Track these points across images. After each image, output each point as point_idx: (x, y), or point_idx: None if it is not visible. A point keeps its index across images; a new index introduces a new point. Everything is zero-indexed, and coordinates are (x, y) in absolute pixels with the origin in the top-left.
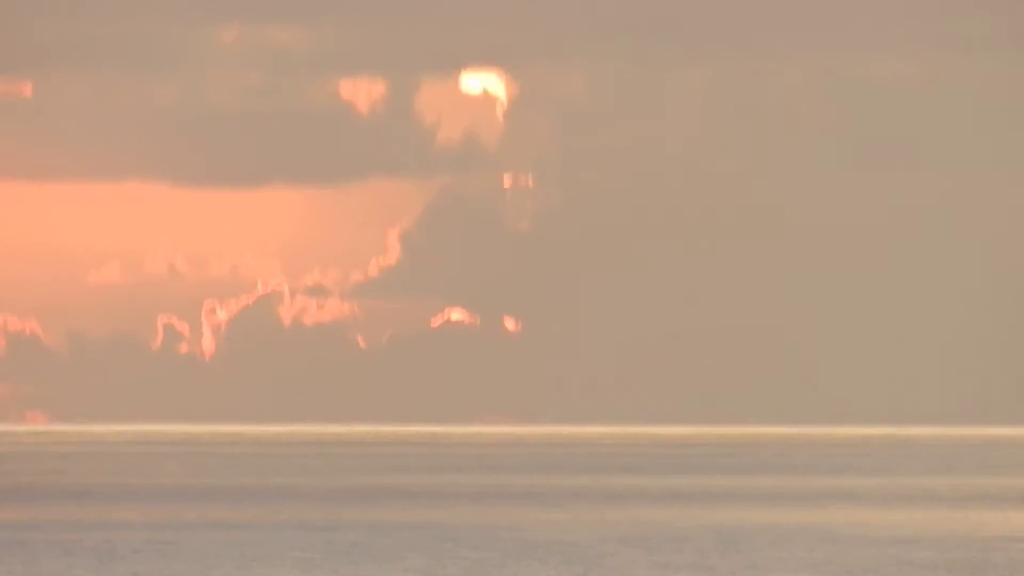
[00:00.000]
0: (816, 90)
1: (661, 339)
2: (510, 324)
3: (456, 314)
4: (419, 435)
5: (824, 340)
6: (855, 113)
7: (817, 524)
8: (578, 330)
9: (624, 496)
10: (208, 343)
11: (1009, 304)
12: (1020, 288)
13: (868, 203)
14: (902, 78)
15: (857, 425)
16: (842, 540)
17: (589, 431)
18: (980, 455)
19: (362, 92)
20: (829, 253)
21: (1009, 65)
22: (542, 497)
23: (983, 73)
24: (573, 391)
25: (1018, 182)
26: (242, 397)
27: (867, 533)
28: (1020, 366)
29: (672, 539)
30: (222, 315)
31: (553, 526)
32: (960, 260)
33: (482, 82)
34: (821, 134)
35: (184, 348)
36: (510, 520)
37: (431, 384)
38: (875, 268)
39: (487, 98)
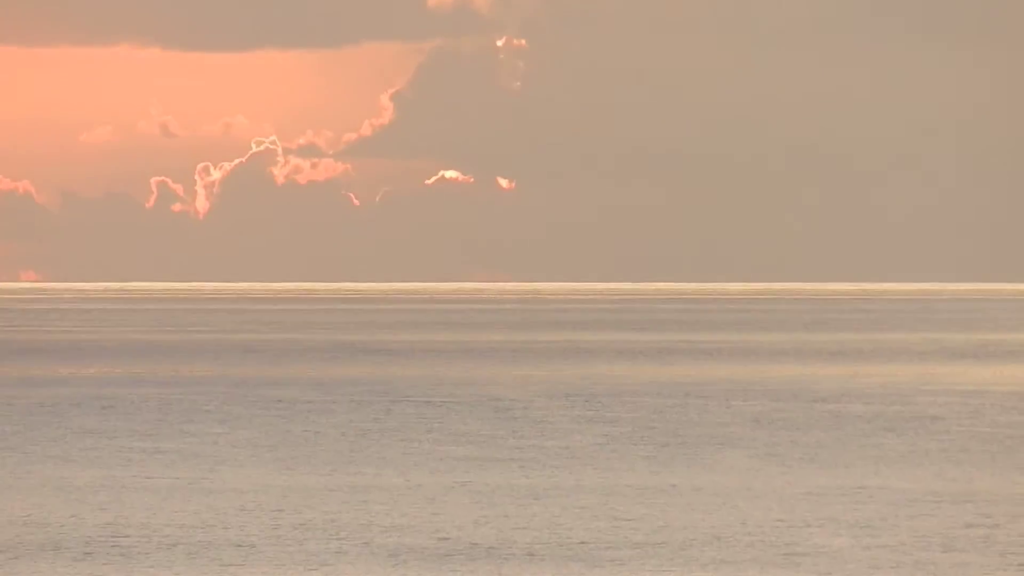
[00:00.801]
0: None
1: (650, 199)
2: (503, 183)
3: (450, 173)
4: (410, 292)
5: (811, 202)
6: None
7: (764, 379)
8: (570, 189)
9: (587, 352)
10: (202, 202)
11: (989, 170)
12: (995, 158)
13: (865, 70)
14: None
15: (838, 282)
16: (782, 396)
17: (582, 287)
18: (954, 311)
19: None
20: (821, 121)
21: None
22: (502, 354)
23: None
24: (565, 249)
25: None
26: (236, 255)
27: (808, 387)
28: (1005, 226)
29: (613, 394)
30: (215, 175)
31: (501, 382)
32: (936, 127)
33: None
34: (821, 6)
35: (178, 207)
36: (461, 377)
37: (424, 242)
38: (863, 134)
39: None
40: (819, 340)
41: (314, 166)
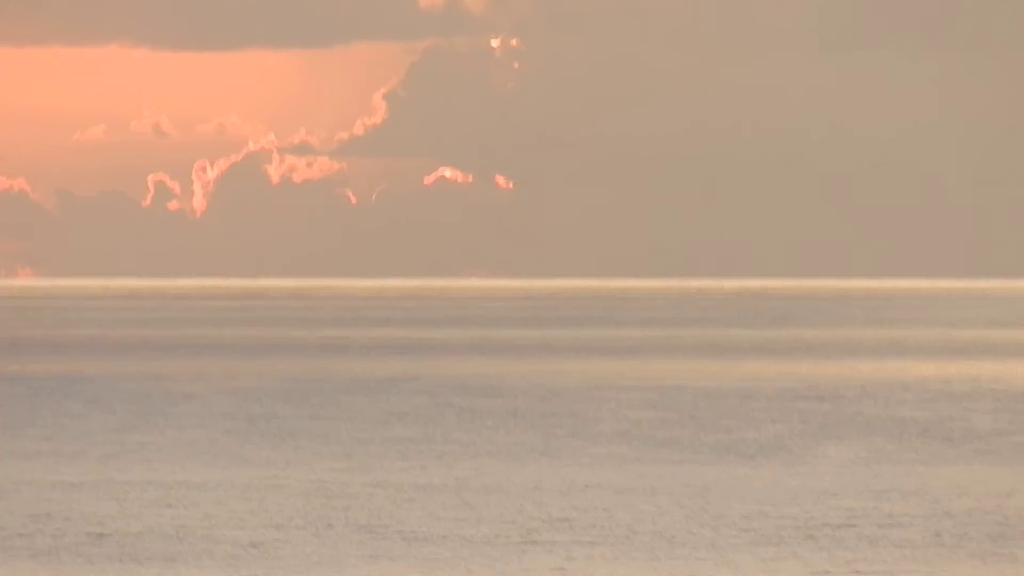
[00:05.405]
0: None
1: (647, 196)
2: (502, 181)
3: (447, 172)
4: (407, 289)
5: (811, 198)
6: None
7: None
8: (567, 188)
9: (502, 348)
10: (199, 200)
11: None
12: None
13: (858, 69)
14: None
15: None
16: (667, 390)
17: (583, 284)
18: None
19: None
20: (818, 114)
21: None
22: (368, 349)
23: None
24: (565, 246)
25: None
26: (233, 253)
27: (694, 383)
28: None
29: (481, 389)
30: (211, 173)
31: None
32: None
33: None
34: (810, 7)
35: (175, 205)
36: (307, 370)
37: (422, 239)
38: (859, 126)
39: None
40: (734, 335)
41: (309, 164)
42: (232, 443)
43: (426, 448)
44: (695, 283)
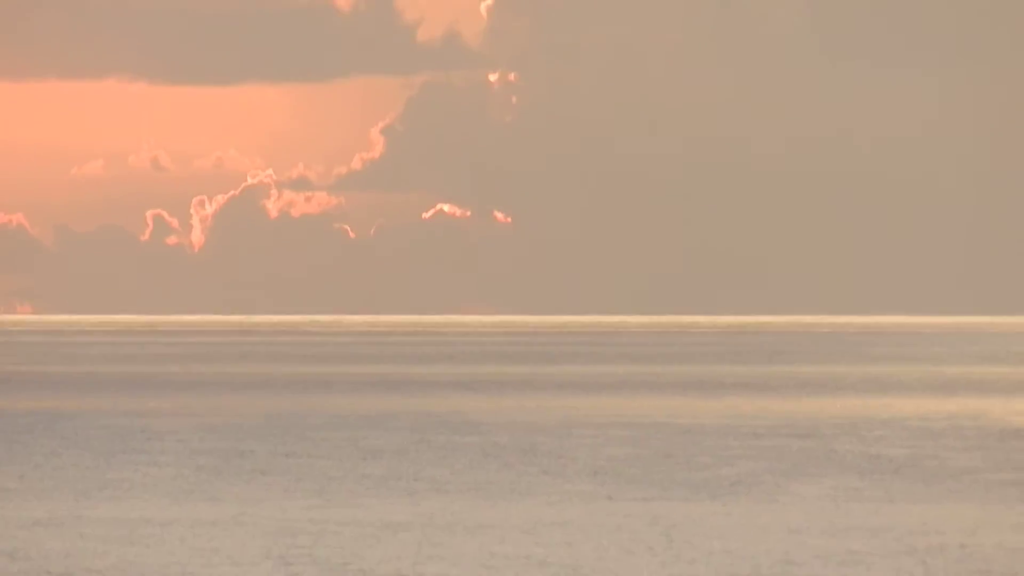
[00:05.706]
0: None
1: (648, 230)
2: (500, 216)
3: (445, 207)
4: (404, 325)
5: (807, 236)
6: (838, 9)
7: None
8: (566, 222)
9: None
10: (197, 235)
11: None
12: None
13: (850, 96)
14: None
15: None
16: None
17: (581, 320)
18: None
19: None
20: (811, 148)
21: None
22: (326, 384)
23: None
24: (563, 282)
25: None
26: (233, 288)
27: (673, 420)
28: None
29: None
30: (209, 208)
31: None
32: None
33: None
34: (802, 32)
35: (173, 240)
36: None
37: (421, 274)
38: (852, 172)
39: None
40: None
41: (307, 199)
42: (204, 480)
43: (396, 486)
44: (690, 319)
